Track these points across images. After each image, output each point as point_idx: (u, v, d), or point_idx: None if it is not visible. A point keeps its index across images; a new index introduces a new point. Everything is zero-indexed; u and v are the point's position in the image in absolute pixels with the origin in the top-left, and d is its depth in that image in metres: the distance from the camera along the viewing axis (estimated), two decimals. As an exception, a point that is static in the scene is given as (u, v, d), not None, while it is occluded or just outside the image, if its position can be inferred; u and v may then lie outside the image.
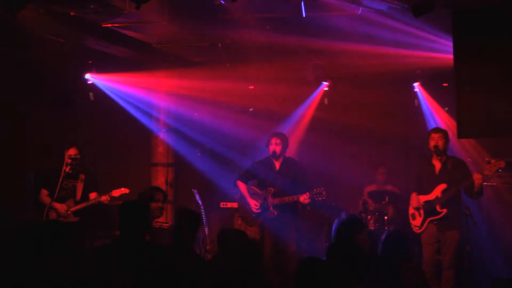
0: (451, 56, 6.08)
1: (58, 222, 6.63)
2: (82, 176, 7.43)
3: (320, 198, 6.90)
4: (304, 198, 6.89)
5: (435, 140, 6.68)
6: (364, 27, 6.96)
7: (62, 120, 9.11)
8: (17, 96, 8.40)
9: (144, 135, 9.85)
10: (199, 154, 10.02)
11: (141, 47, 8.14)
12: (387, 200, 8.47)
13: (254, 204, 7.13)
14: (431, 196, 6.67)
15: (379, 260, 4.36)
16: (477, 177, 6.39)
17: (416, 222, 6.76)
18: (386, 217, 8.17)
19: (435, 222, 6.63)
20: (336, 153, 9.90)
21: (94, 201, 7.34)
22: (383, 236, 4.78)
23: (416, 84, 9.25)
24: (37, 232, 3.81)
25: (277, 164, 7.24)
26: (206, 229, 8.43)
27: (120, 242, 4.48)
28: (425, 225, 6.68)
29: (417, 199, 6.75)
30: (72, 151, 7.31)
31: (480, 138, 8.18)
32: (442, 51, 7.36)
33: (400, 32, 7.01)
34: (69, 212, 7.28)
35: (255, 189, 7.27)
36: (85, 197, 7.39)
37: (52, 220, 7.01)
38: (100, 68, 8.97)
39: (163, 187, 9.63)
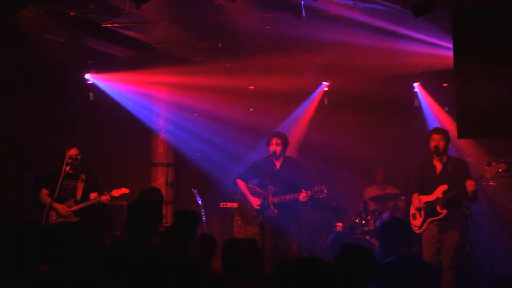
0: (451, 56, 6.07)
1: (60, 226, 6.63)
2: (83, 176, 7.43)
3: (321, 196, 6.91)
4: (304, 196, 6.90)
5: (436, 141, 6.66)
6: (364, 27, 6.96)
7: (62, 120, 9.12)
8: (17, 96, 8.40)
9: (144, 135, 9.86)
10: (199, 154, 10.02)
11: (141, 47, 8.14)
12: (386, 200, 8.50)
13: (255, 201, 7.13)
14: (432, 197, 6.66)
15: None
16: (469, 184, 6.38)
17: (416, 222, 6.76)
18: (386, 217, 8.17)
19: (435, 223, 6.62)
20: (336, 153, 9.90)
21: (94, 201, 7.34)
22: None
23: (416, 84, 9.24)
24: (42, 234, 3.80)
25: (278, 164, 7.24)
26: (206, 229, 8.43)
27: (127, 243, 4.42)
28: (425, 225, 6.68)
29: (418, 200, 6.75)
30: (73, 151, 7.31)
31: (480, 138, 8.17)
32: (442, 51, 7.36)
33: (400, 32, 7.01)
34: (69, 212, 7.28)
35: (256, 188, 7.28)
36: (85, 197, 7.39)
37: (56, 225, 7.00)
38: (100, 68, 8.98)
39: (163, 187, 9.65)
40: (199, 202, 8.60)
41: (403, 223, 5.38)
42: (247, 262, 4.42)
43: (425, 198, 6.71)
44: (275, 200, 7.05)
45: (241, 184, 7.35)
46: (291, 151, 8.14)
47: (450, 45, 6.10)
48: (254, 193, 7.24)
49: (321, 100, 9.73)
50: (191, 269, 3.87)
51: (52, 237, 3.81)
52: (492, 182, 8.18)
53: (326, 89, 9.63)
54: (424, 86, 9.26)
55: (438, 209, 6.59)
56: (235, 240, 4.81)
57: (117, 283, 3.64)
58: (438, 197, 6.62)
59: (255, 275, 4.30)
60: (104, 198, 7.31)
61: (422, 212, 6.71)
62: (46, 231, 3.91)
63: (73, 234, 4.00)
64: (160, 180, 9.75)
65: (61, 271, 3.65)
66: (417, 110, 9.31)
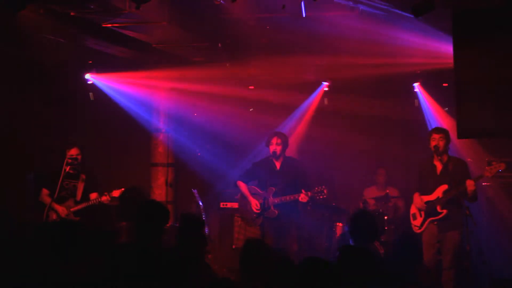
0: (451, 56, 6.07)
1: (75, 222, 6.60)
2: (83, 176, 7.43)
3: (321, 197, 6.91)
4: (304, 197, 6.90)
5: (436, 141, 6.67)
6: (364, 28, 6.95)
7: (62, 120, 9.11)
8: (17, 96, 8.40)
9: (144, 135, 9.85)
10: (199, 154, 10.02)
11: (141, 47, 8.13)
12: (387, 200, 8.51)
13: (255, 203, 7.14)
14: (432, 197, 6.67)
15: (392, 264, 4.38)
16: (469, 184, 6.39)
17: (416, 222, 6.77)
18: (386, 217, 8.18)
19: (435, 223, 6.63)
20: (336, 153, 9.90)
21: (94, 201, 7.33)
22: (395, 241, 4.81)
23: (416, 84, 9.24)
24: (53, 232, 3.79)
25: (278, 164, 7.24)
26: (206, 229, 8.42)
27: (137, 244, 4.38)
28: (425, 225, 6.68)
29: (420, 199, 6.75)
30: (73, 151, 7.31)
31: (480, 138, 8.17)
32: (442, 51, 7.36)
33: (400, 32, 7.01)
34: (68, 213, 7.27)
35: (256, 189, 7.29)
36: (85, 197, 7.39)
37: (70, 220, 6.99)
38: (100, 68, 8.97)
39: (163, 187, 9.65)
40: (199, 202, 8.59)
41: (371, 217, 5.28)
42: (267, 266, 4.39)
43: (426, 198, 6.71)
44: (275, 201, 7.05)
45: (242, 185, 7.36)
46: (291, 151, 8.14)
47: (450, 45, 6.10)
48: (254, 194, 7.25)
49: (321, 100, 9.73)
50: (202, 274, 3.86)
51: (54, 236, 3.80)
52: (492, 182, 8.18)
53: (326, 89, 9.63)
54: (424, 86, 9.26)
55: (438, 209, 6.59)
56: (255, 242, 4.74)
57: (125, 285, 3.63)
58: (438, 197, 6.62)
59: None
60: (104, 198, 7.31)
61: (423, 212, 6.72)
62: (48, 230, 3.89)
63: (81, 233, 3.97)
64: (160, 180, 9.75)
65: (63, 271, 3.64)
66: (417, 110, 9.31)
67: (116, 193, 7.38)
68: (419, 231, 6.73)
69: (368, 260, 3.86)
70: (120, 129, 9.78)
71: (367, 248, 4.02)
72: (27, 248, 3.66)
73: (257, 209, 7.10)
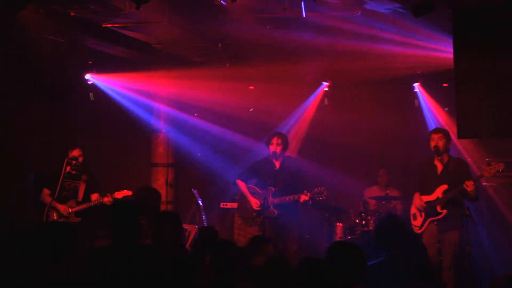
0: (451, 56, 6.08)
1: (59, 223, 6.60)
2: (84, 177, 7.42)
3: (321, 198, 6.91)
4: (304, 198, 6.89)
5: (435, 141, 6.68)
6: (364, 28, 6.96)
7: (62, 120, 9.11)
8: (17, 96, 8.39)
9: (144, 135, 9.85)
10: (199, 154, 10.02)
11: (141, 47, 8.14)
12: (387, 201, 8.50)
13: (255, 202, 7.13)
14: (432, 197, 6.66)
15: None
16: (469, 184, 6.38)
17: (416, 223, 6.76)
18: (386, 217, 8.18)
19: (435, 223, 6.62)
20: (337, 153, 9.90)
21: (96, 202, 7.31)
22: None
23: (416, 84, 9.25)
24: (38, 233, 3.79)
25: (277, 164, 7.24)
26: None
27: (114, 245, 4.34)
28: (425, 225, 6.68)
29: (420, 199, 6.75)
30: (76, 152, 7.30)
31: (480, 138, 8.18)
32: (442, 51, 7.36)
33: (400, 32, 7.01)
34: (70, 211, 7.28)
35: (255, 188, 7.28)
36: (87, 198, 7.39)
37: (54, 221, 6.99)
38: (100, 68, 8.97)
39: (163, 187, 9.65)
40: (199, 202, 8.59)
41: (399, 223, 5.28)
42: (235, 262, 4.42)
43: (426, 198, 6.71)
44: (275, 201, 7.05)
45: (241, 184, 7.36)
46: (291, 151, 8.15)
47: (450, 45, 6.10)
48: (254, 194, 7.25)
49: (321, 100, 9.74)
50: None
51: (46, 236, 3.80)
52: (492, 182, 8.18)
53: (326, 89, 9.63)
54: (424, 86, 9.27)
55: (438, 209, 6.59)
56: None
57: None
58: (438, 197, 6.62)
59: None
60: (106, 199, 7.28)
61: (423, 213, 6.72)
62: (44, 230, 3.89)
63: (66, 234, 3.96)
64: (160, 180, 9.75)
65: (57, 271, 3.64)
66: (417, 110, 9.31)
67: (118, 194, 7.35)
68: (419, 231, 6.73)
69: (357, 257, 3.85)
70: (120, 129, 9.78)
71: (357, 245, 4.02)
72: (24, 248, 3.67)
73: (257, 207, 7.09)
